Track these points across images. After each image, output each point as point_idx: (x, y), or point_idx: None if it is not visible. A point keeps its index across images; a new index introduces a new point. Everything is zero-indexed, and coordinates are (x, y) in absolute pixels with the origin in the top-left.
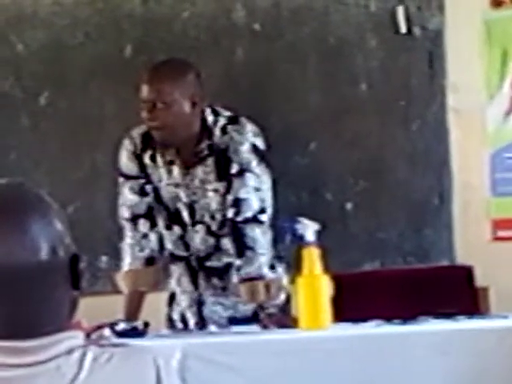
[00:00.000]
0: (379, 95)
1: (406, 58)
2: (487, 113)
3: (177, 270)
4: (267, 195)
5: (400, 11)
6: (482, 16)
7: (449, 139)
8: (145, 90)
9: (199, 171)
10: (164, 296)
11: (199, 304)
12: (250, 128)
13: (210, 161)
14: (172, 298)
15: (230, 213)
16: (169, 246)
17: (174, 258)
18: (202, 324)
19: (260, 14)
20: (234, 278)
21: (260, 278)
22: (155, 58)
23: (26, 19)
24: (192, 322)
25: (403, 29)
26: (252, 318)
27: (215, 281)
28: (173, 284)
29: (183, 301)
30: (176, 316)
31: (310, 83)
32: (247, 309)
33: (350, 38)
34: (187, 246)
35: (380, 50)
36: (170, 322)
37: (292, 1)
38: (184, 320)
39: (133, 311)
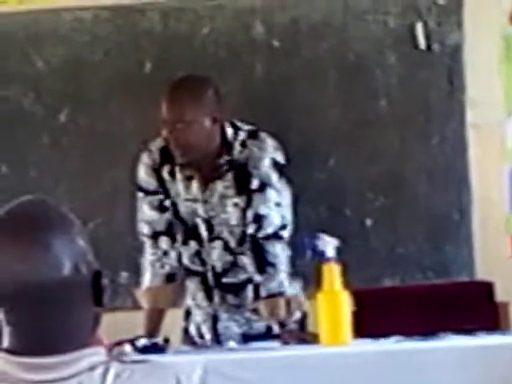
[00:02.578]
0: (398, 111)
1: (425, 73)
2: (506, 128)
3: (191, 285)
4: (288, 211)
5: (419, 27)
6: (501, 32)
7: (468, 155)
8: (166, 110)
9: (219, 186)
10: (181, 311)
11: (214, 319)
12: (270, 143)
13: (230, 175)
14: (188, 312)
15: (251, 229)
16: (185, 260)
17: (190, 272)
18: (216, 340)
19: (279, 30)
20: (250, 294)
21: (281, 294)
22: (174, 75)
23: (46, 36)
24: (207, 336)
25: (422, 45)
26: (265, 335)
27: (230, 297)
28: (188, 299)
29: (198, 315)
30: (193, 330)
31: (329, 99)
32: (261, 325)
33: (369, 53)
34: (203, 262)
35: (399, 65)
36: (187, 336)
37: (310, 17)
38: (200, 334)
39: (153, 327)
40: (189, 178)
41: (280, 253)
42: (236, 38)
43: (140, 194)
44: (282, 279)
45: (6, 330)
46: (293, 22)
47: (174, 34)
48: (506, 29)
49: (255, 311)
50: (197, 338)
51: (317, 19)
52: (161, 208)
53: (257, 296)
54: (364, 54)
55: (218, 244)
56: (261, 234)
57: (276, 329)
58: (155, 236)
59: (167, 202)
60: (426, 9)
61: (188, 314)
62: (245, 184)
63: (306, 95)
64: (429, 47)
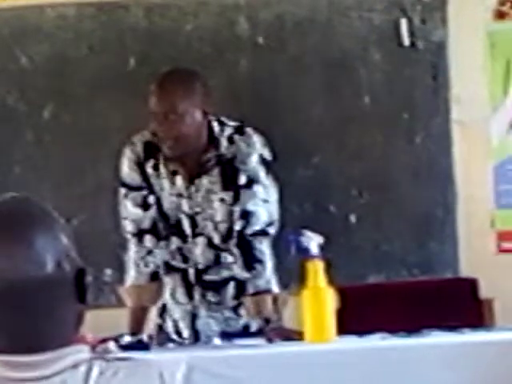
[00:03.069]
0: (383, 108)
1: (410, 70)
2: (491, 125)
3: (171, 281)
4: (275, 207)
5: (403, 24)
6: (485, 28)
7: (452, 151)
8: (156, 102)
9: (204, 181)
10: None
11: (192, 317)
12: (257, 139)
13: (216, 171)
14: (164, 308)
15: (239, 225)
16: (165, 256)
17: (170, 269)
18: (195, 337)
19: (263, 27)
20: (231, 291)
21: (268, 291)
22: (159, 71)
23: (30, 32)
24: (186, 333)
25: (406, 41)
26: (243, 333)
27: (210, 295)
28: (166, 295)
29: (176, 312)
30: (170, 328)
31: (314, 95)
32: (239, 323)
33: (354, 50)
34: (185, 258)
35: (383, 62)
36: (161, 332)
37: (295, 13)
38: (178, 332)
39: (137, 325)
40: (173, 173)
41: (267, 250)
42: (220, 34)
43: (123, 190)
44: (270, 276)
45: None
46: (277, 18)
47: (159, 30)
48: (490, 25)
49: (236, 309)
50: (174, 335)
51: (301, 16)
52: (145, 205)
53: (238, 294)
54: (348, 51)
55: (201, 240)
56: (248, 231)
57: (254, 327)
58: (140, 234)
59: (151, 198)
60: (411, 5)
61: (164, 310)
62: (232, 180)
63: (291, 92)
64: (413, 44)
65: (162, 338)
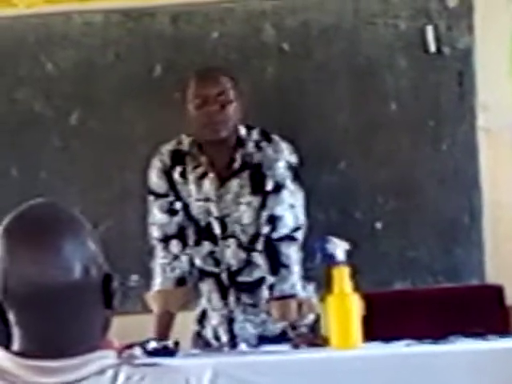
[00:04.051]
0: (409, 114)
1: (436, 77)
2: None
3: (206, 286)
4: (301, 212)
5: (429, 30)
6: (511, 35)
7: (479, 158)
8: (203, 86)
9: (234, 184)
10: (191, 314)
11: (230, 321)
12: (284, 145)
13: (246, 174)
14: (203, 315)
15: (266, 229)
16: (198, 262)
17: (204, 274)
18: (233, 342)
19: (289, 34)
20: (265, 293)
21: (293, 296)
22: (185, 78)
23: (57, 39)
24: (224, 338)
25: (433, 48)
26: (281, 337)
27: (245, 297)
28: (203, 301)
29: (214, 318)
30: (209, 334)
31: (340, 102)
32: (276, 327)
33: (380, 57)
34: (217, 262)
35: (409, 69)
36: (200, 339)
37: (321, 20)
38: (217, 337)
39: (163, 331)
40: (201, 177)
41: (293, 254)
42: (246, 41)
43: (151, 198)
44: (295, 281)
45: (17, 333)
46: (303, 25)
47: (185, 37)
48: None
49: (268, 312)
50: (213, 341)
51: (327, 23)
52: (171, 211)
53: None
54: (374, 58)
55: (231, 242)
56: (275, 235)
57: (291, 332)
58: (166, 240)
59: (178, 205)
60: (437, 12)
61: (203, 317)
62: (260, 185)
63: (317, 98)
64: (439, 51)
65: (200, 344)
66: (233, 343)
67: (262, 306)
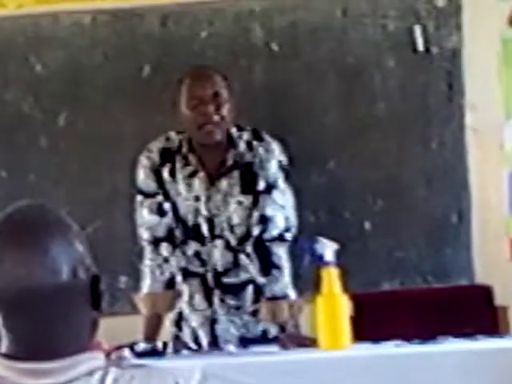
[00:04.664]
0: (397, 114)
1: (424, 76)
2: (505, 131)
3: (189, 287)
4: (292, 213)
5: (418, 30)
6: (500, 34)
7: (467, 158)
8: (200, 86)
9: (224, 183)
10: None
11: (212, 322)
12: (275, 146)
13: (236, 173)
14: (179, 317)
15: (256, 230)
16: (183, 262)
17: (188, 274)
18: (214, 342)
19: (278, 34)
20: (250, 295)
21: (284, 297)
22: (173, 78)
23: (45, 40)
24: (205, 341)
25: (421, 48)
26: (262, 338)
27: (229, 299)
28: (183, 303)
29: (194, 320)
30: (187, 337)
31: (328, 102)
32: (257, 328)
33: (368, 57)
34: (203, 262)
35: (398, 69)
36: (178, 341)
37: (309, 20)
38: (196, 340)
39: (152, 333)
40: (190, 176)
41: (284, 255)
42: (235, 41)
43: (139, 197)
44: (286, 282)
45: (5, 335)
46: (292, 25)
47: (173, 37)
48: (504, 32)
49: (255, 313)
50: (192, 344)
51: (316, 23)
52: (160, 212)
53: (257, 297)
54: (363, 58)
55: (219, 243)
56: (266, 236)
57: (273, 332)
58: (156, 242)
59: (167, 205)
60: (425, 12)
61: (180, 318)
62: (251, 184)
63: (305, 98)
64: (428, 50)
65: (179, 347)
66: (214, 344)
67: (245, 308)
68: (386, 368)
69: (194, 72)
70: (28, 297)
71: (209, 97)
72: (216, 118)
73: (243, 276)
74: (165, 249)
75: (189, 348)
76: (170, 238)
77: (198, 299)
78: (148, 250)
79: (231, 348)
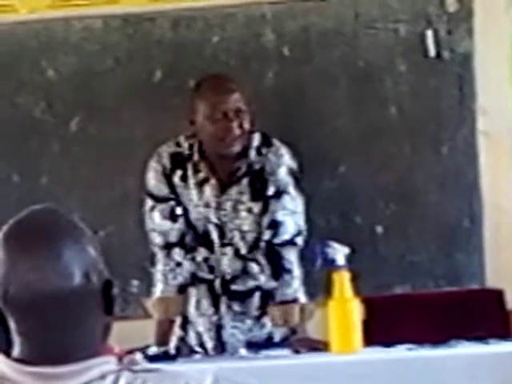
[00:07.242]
0: (409, 119)
1: (436, 81)
2: None
3: (196, 292)
4: (302, 218)
5: (429, 35)
6: (511, 39)
7: (479, 162)
8: (224, 101)
9: (234, 191)
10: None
11: (218, 328)
12: (284, 150)
13: (245, 181)
14: (185, 320)
15: (267, 235)
16: (192, 267)
17: (196, 280)
18: (222, 348)
19: (289, 39)
20: (256, 301)
21: (295, 301)
22: (185, 83)
23: (57, 45)
24: (210, 345)
25: (432, 52)
26: (267, 342)
27: (236, 305)
28: (190, 306)
29: (200, 324)
30: (193, 340)
31: (340, 107)
32: (262, 333)
33: (380, 61)
34: (212, 269)
35: (409, 73)
36: (184, 346)
37: (321, 25)
38: (202, 344)
39: (164, 337)
40: (202, 183)
41: (295, 259)
42: (246, 46)
43: (150, 202)
44: (297, 286)
45: (17, 340)
46: (303, 30)
47: (185, 42)
48: None
49: (259, 318)
50: (197, 348)
51: (327, 27)
52: (172, 217)
53: (263, 304)
54: (374, 62)
55: (228, 250)
56: (277, 241)
57: (278, 336)
58: (168, 247)
59: (179, 210)
60: (437, 17)
61: (186, 322)
62: (261, 190)
63: (317, 103)
64: (439, 55)
65: (185, 350)
66: (222, 349)
67: (251, 313)
68: (398, 372)
69: (214, 84)
70: (41, 301)
71: (232, 113)
72: (238, 132)
73: (251, 283)
74: (177, 254)
75: (195, 351)
76: (181, 242)
77: (205, 304)
78: (160, 255)
79: (242, 352)
